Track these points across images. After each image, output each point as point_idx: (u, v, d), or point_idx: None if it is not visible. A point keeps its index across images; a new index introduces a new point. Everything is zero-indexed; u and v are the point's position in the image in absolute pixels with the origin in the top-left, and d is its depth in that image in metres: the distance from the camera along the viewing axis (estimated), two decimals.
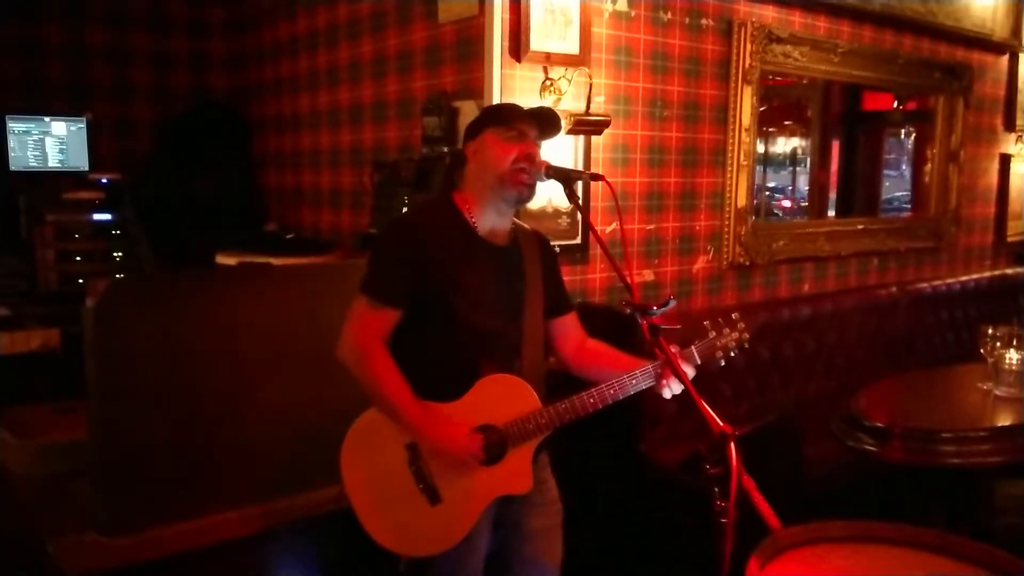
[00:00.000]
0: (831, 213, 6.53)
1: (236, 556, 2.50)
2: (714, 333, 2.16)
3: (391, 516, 1.98)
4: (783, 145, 8.23)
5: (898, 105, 6.62)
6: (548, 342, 2.25)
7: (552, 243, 2.33)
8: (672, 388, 2.06)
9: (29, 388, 3.93)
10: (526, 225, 2.27)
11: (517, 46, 3.21)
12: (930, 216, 5.40)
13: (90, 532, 2.39)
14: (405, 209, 3.44)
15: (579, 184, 2.10)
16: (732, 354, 2.18)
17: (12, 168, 4.68)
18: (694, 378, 2.04)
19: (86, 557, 2.30)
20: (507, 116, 2.09)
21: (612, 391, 2.05)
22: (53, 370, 4.13)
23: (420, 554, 2.02)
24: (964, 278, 5.29)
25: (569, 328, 2.28)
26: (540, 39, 3.22)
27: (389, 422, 1.99)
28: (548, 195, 3.30)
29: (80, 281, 4.42)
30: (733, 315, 2.20)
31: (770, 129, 7.61)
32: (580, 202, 2.10)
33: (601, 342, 2.31)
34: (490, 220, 2.10)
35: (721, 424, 1.59)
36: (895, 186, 7.26)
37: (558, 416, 2.04)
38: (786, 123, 7.77)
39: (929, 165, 5.44)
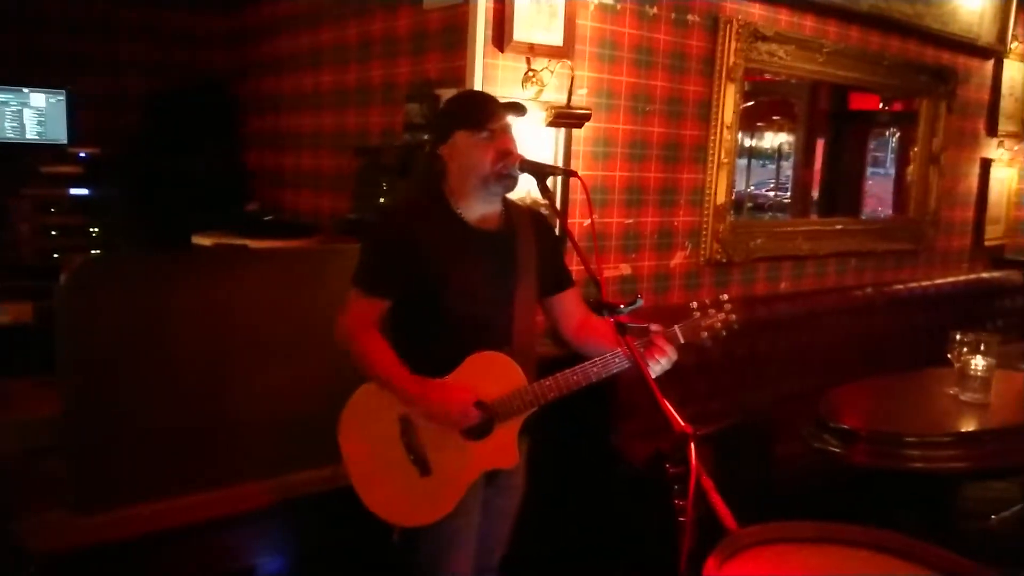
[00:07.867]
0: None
1: (209, 538, 2.50)
2: (699, 314, 2.13)
3: (384, 486, 2.06)
4: (770, 140, 8.27)
5: (884, 106, 6.65)
6: (551, 320, 2.30)
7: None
8: (657, 367, 2.06)
9: (2, 362, 3.90)
10: (520, 203, 2.27)
11: (501, 35, 3.19)
12: (910, 218, 5.43)
13: (58, 510, 2.38)
14: (389, 197, 3.45)
15: (553, 179, 2.10)
16: (720, 335, 2.14)
17: None
18: (670, 371, 2.07)
19: (52, 536, 2.29)
20: (476, 118, 2.07)
21: (596, 369, 2.07)
22: (28, 344, 4.10)
23: (410, 524, 2.08)
24: (940, 281, 5.33)
25: (571, 304, 2.30)
26: (524, 29, 3.21)
27: (383, 394, 2.04)
28: (527, 187, 3.28)
29: (56, 256, 4.38)
30: (723, 296, 2.18)
31: (758, 124, 7.64)
32: (553, 197, 2.10)
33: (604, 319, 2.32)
34: (479, 208, 2.12)
35: (682, 424, 1.60)
36: (871, 190, 7.24)
37: (543, 393, 2.07)
38: (773, 119, 7.80)
39: (911, 167, 5.47)
